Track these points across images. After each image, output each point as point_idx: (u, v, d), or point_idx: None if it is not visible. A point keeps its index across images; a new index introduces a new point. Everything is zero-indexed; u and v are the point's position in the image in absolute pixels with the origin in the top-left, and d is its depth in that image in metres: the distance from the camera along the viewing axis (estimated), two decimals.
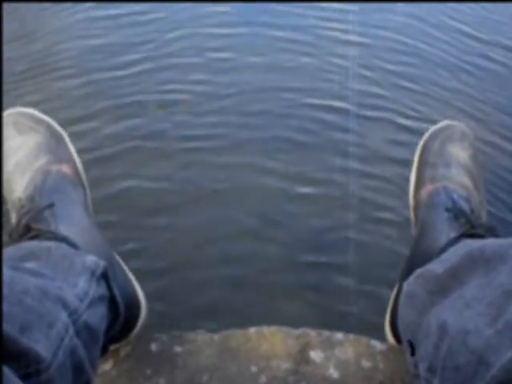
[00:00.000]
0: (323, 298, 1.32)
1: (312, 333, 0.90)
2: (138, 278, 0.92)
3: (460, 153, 0.98)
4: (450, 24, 2.22)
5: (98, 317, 0.71)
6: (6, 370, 0.50)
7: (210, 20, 2.21)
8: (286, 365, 0.86)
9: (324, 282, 1.35)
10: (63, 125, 1.01)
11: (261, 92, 1.86)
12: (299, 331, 0.91)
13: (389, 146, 1.67)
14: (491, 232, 0.85)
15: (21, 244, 0.77)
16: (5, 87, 1.75)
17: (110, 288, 0.77)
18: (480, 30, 2.18)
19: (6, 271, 0.60)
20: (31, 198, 0.85)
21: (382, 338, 0.93)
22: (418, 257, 0.86)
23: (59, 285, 0.66)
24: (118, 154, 1.62)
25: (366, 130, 1.72)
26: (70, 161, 0.94)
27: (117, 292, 0.78)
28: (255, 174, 1.58)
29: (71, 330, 0.63)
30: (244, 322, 1.24)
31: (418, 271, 0.76)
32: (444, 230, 0.85)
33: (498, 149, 1.66)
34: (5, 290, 0.57)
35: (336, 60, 2.00)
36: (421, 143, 1.01)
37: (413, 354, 0.72)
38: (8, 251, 0.73)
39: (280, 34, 2.15)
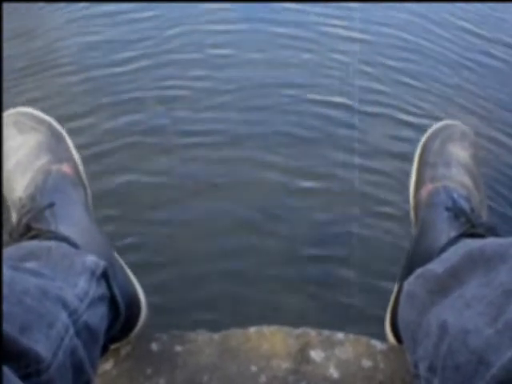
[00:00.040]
0: (324, 292, 1.32)
1: (312, 332, 0.90)
2: (136, 272, 0.93)
3: (460, 152, 0.98)
4: (452, 21, 2.22)
5: (98, 317, 0.71)
6: (5, 370, 0.50)
7: (210, 16, 2.21)
8: (286, 364, 0.86)
9: (325, 275, 1.35)
10: (63, 121, 1.01)
11: (261, 88, 1.86)
12: (299, 331, 0.91)
13: (390, 141, 1.68)
14: (491, 231, 0.85)
15: (21, 243, 0.77)
16: (5, 84, 1.76)
17: (110, 288, 0.77)
18: (482, 27, 2.18)
19: (6, 271, 0.60)
20: (32, 198, 0.85)
21: (383, 331, 0.94)
22: (418, 256, 0.86)
23: (59, 285, 0.67)
24: (117, 149, 1.62)
25: (367, 125, 1.72)
26: (71, 160, 0.94)
27: (117, 292, 0.78)
28: (255, 169, 1.58)
29: (71, 330, 0.63)
30: (244, 315, 1.26)
31: (418, 271, 0.76)
32: (444, 230, 0.85)
33: (500, 145, 1.66)
34: (5, 290, 0.57)
35: (337, 56, 2.01)
36: (421, 143, 1.01)
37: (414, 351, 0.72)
38: (8, 251, 0.73)
39: (280, 30, 2.15)
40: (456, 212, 0.86)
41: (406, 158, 1.38)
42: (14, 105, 0.98)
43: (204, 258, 1.37)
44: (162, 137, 1.67)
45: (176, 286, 1.32)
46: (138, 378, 0.84)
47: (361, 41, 2.08)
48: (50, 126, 0.96)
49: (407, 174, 1.04)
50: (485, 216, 0.94)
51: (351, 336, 0.90)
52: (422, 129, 1.31)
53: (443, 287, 0.68)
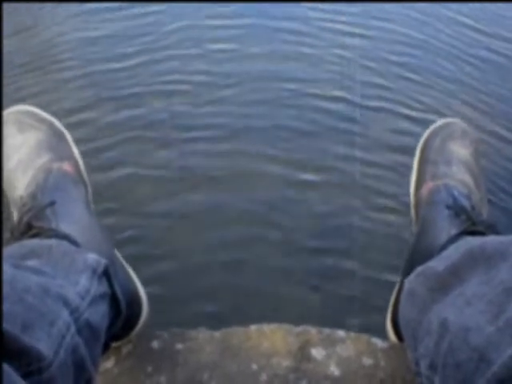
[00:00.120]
0: (326, 283, 1.32)
1: (313, 330, 0.90)
2: (137, 264, 0.93)
3: (461, 150, 0.98)
4: (454, 16, 2.21)
5: (99, 315, 0.71)
6: (7, 368, 0.50)
7: (209, 11, 2.21)
8: (286, 362, 0.86)
9: (326, 267, 1.36)
10: (63, 115, 1.01)
11: (261, 82, 1.87)
12: (300, 328, 0.91)
13: (391, 135, 1.68)
14: (492, 229, 0.85)
15: (22, 242, 0.77)
16: (4, 80, 1.76)
17: (111, 286, 0.77)
18: (483, 23, 2.18)
19: (7, 269, 0.60)
20: (33, 196, 0.85)
21: (385, 322, 0.94)
22: (419, 254, 0.86)
23: (60, 283, 0.67)
24: (117, 143, 1.62)
25: (368, 119, 1.72)
26: (72, 158, 0.94)
27: (118, 290, 0.78)
28: (256, 162, 1.59)
29: (72, 328, 0.63)
30: (244, 307, 1.26)
31: (419, 269, 0.76)
32: (445, 228, 0.85)
33: (502, 139, 1.67)
34: (6, 289, 0.57)
35: (337, 51, 2.00)
36: (421, 141, 1.01)
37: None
38: (9, 249, 0.73)
39: (282, 25, 2.15)
40: (457, 210, 0.86)
41: (407, 151, 1.38)
42: (14, 100, 0.98)
43: (204, 250, 1.38)
44: (162, 131, 1.67)
45: (176, 277, 1.32)
46: (139, 376, 0.84)
47: (362, 36, 2.08)
48: (50, 125, 0.96)
49: (408, 168, 1.04)
50: (485, 214, 0.94)
51: (352, 334, 0.90)
52: (423, 123, 1.31)
53: (444, 285, 0.68)
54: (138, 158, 1.58)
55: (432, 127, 1.02)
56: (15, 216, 0.86)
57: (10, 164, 0.91)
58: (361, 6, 2.26)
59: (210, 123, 1.70)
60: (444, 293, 0.67)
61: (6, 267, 0.60)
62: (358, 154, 1.60)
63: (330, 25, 2.14)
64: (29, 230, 0.81)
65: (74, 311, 0.64)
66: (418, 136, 1.04)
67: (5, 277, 0.58)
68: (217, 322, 1.19)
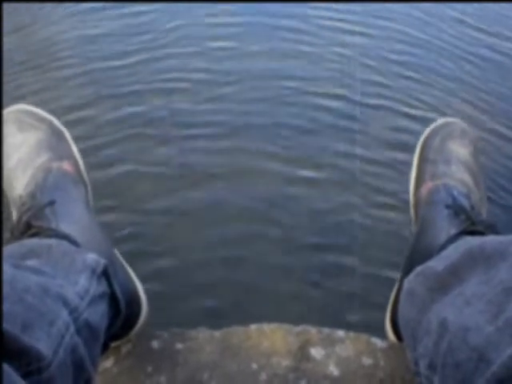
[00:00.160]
0: (326, 280, 1.33)
1: (312, 330, 0.90)
2: (136, 261, 0.93)
3: (460, 150, 0.98)
4: (455, 16, 2.22)
5: (98, 314, 0.71)
6: (7, 368, 0.50)
7: (209, 9, 2.21)
8: (286, 362, 0.86)
9: (326, 264, 1.36)
10: (62, 113, 1.01)
11: (261, 80, 1.87)
12: (300, 328, 0.91)
13: (391, 133, 1.68)
14: (491, 229, 0.85)
15: (22, 241, 0.77)
16: (4, 78, 1.76)
17: (110, 285, 0.77)
18: (484, 22, 2.18)
19: (7, 269, 0.60)
20: (32, 196, 0.85)
21: (385, 318, 0.94)
22: (418, 254, 0.86)
23: (60, 283, 0.67)
24: (117, 140, 1.63)
25: (368, 117, 1.73)
26: (71, 158, 0.94)
27: (117, 289, 0.78)
28: (255, 159, 1.59)
29: (72, 328, 0.63)
30: (244, 302, 1.26)
31: (418, 268, 0.76)
32: (444, 227, 0.85)
33: (502, 137, 1.67)
34: (6, 288, 0.57)
35: (338, 49, 2.01)
36: (421, 140, 1.01)
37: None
38: (9, 249, 0.73)
39: (281, 23, 2.15)
40: (456, 209, 0.86)
41: (407, 149, 1.40)
42: (14, 97, 0.98)
43: (204, 247, 1.38)
44: (162, 128, 1.68)
45: (176, 274, 1.33)
46: (138, 375, 0.84)
47: (362, 34, 2.08)
48: (50, 124, 0.96)
49: (407, 165, 1.04)
50: (485, 213, 0.94)
51: (351, 334, 0.90)
52: (422, 121, 1.31)
53: (443, 285, 0.68)
54: (138, 155, 1.59)
55: (431, 127, 1.02)
56: (15, 215, 0.86)
57: (9, 163, 0.92)
58: (361, 4, 2.25)
59: (210, 120, 1.70)
60: (443, 293, 0.67)
61: (5, 267, 0.60)
62: (358, 151, 1.60)
63: (329, 23, 2.15)
64: (28, 229, 0.81)
65: (73, 311, 0.65)
66: (417, 134, 1.05)
67: (5, 277, 0.58)
68: (216, 318, 1.22)
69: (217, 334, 0.90)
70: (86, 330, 0.66)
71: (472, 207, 0.87)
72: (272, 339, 0.89)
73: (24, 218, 0.81)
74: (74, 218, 0.84)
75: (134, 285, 0.88)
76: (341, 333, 0.90)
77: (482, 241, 0.70)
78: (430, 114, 1.71)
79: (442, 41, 2.07)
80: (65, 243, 0.77)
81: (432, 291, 0.70)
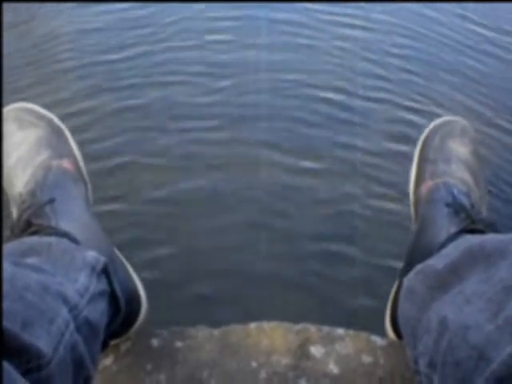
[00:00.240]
0: (327, 269, 1.33)
1: (312, 328, 0.90)
2: (135, 250, 0.93)
3: (460, 148, 0.98)
4: (456, 11, 2.22)
5: (98, 312, 0.71)
6: (7, 365, 0.50)
7: (208, 2, 2.21)
8: (286, 360, 0.86)
9: (328, 254, 1.36)
10: (62, 106, 1.01)
11: (261, 73, 1.87)
12: (299, 326, 0.91)
13: (391, 125, 1.68)
14: (491, 227, 0.85)
15: (22, 239, 0.77)
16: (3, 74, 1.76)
17: (110, 283, 0.77)
18: (487, 17, 2.18)
19: (7, 267, 0.60)
20: (32, 194, 0.85)
21: (385, 308, 0.94)
22: (418, 252, 0.86)
23: (60, 280, 0.67)
24: (116, 132, 1.63)
25: (368, 110, 1.73)
26: (71, 156, 0.94)
27: (117, 287, 0.78)
28: (255, 150, 1.59)
29: (72, 326, 0.63)
30: (244, 288, 1.26)
31: (418, 267, 0.76)
32: (444, 226, 0.85)
33: (503, 131, 1.68)
34: (6, 286, 0.57)
35: (338, 43, 2.01)
36: (421, 139, 1.01)
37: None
38: (9, 247, 0.73)
39: (281, 16, 2.15)
40: (456, 208, 0.86)
41: (407, 141, 1.40)
42: (12, 91, 0.98)
43: (203, 236, 1.38)
44: (161, 120, 1.68)
45: (175, 262, 1.33)
46: (138, 373, 0.84)
47: (363, 28, 2.09)
48: (50, 122, 0.96)
49: (407, 157, 1.04)
50: (485, 212, 0.94)
51: (351, 331, 0.90)
52: (423, 114, 1.30)
53: (443, 283, 0.68)
54: (137, 146, 1.60)
55: (431, 125, 1.02)
56: (15, 213, 0.86)
57: (9, 161, 0.92)
58: None
59: (209, 113, 1.71)
60: (443, 291, 0.67)
61: (6, 265, 0.60)
62: (359, 143, 1.60)
63: (330, 17, 2.15)
64: (28, 227, 0.81)
65: (73, 309, 0.65)
66: (418, 127, 1.05)
67: (5, 275, 0.58)
68: (215, 306, 1.21)
69: (216, 332, 0.90)
70: (85, 327, 0.66)
71: (472, 206, 0.87)
72: (272, 337, 0.89)
73: (24, 216, 0.81)
74: (74, 215, 0.84)
75: (134, 283, 0.88)
76: (340, 331, 0.90)
77: (482, 239, 0.70)
78: (430, 108, 1.72)
79: (444, 35, 2.07)
80: (65, 241, 0.77)
81: (432, 289, 0.70)
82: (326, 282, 1.30)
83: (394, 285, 0.92)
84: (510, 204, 1.45)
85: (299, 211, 1.44)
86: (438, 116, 1.05)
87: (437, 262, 0.73)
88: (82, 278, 0.71)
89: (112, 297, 0.78)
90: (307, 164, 1.55)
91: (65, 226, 0.81)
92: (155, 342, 0.88)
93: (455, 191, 0.89)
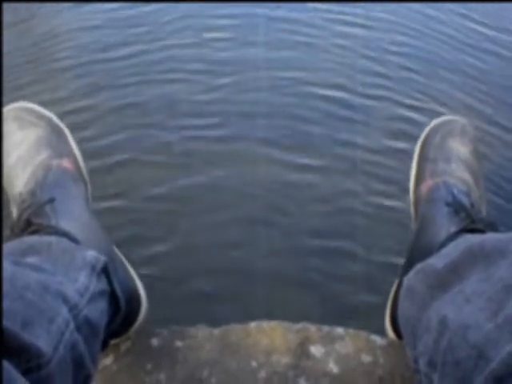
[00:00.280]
0: (326, 265, 1.33)
1: (312, 327, 0.90)
2: (135, 246, 0.93)
3: (460, 148, 0.98)
4: (457, 9, 2.21)
5: (98, 312, 0.71)
6: (7, 365, 0.50)
7: (206, 1, 2.21)
8: (285, 359, 0.86)
9: (327, 249, 1.36)
10: (62, 103, 1.01)
11: (260, 70, 1.87)
12: (299, 326, 0.91)
13: (392, 123, 1.68)
14: (491, 226, 0.85)
15: (21, 239, 0.77)
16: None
17: (110, 283, 0.77)
18: (485, 15, 2.18)
19: (7, 266, 0.60)
20: (32, 193, 0.85)
21: (386, 302, 0.94)
22: (418, 251, 0.86)
23: (60, 280, 0.67)
24: (116, 129, 1.64)
25: (368, 107, 1.73)
26: (71, 155, 0.94)
27: (117, 287, 0.78)
28: (255, 148, 1.60)
29: (72, 325, 0.63)
30: (244, 284, 1.27)
31: (418, 266, 0.76)
32: (444, 225, 0.85)
33: (503, 129, 1.68)
34: (6, 286, 0.57)
35: (338, 40, 2.01)
36: (421, 138, 1.01)
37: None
38: (9, 246, 0.73)
39: (280, 14, 2.16)
40: (456, 207, 0.86)
41: (407, 138, 1.39)
42: (11, 89, 0.98)
43: (203, 232, 1.39)
44: (160, 118, 1.69)
45: (175, 258, 1.34)
46: (138, 373, 0.84)
47: (363, 26, 2.08)
48: (50, 121, 0.96)
49: (407, 154, 1.04)
50: (484, 211, 0.94)
51: (351, 331, 0.90)
52: (423, 111, 1.30)
53: (443, 282, 0.68)
54: (137, 144, 1.60)
55: (431, 124, 1.02)
56: (15, 213, 0.86)
57: (9, 161, 0.92)
58: None
59: (209, 110, 1.71)
60: (443, 290, 0.67)
61: (6, 264, 0.60)
62: (359, 140, 1.60)
63: (330, 15, 2.15)
64: (28, 226, 0.81)
65: (73, 308, 0.65)
66: (417, 124, 1.05)
67: (5, 274, 0.58)
68: (214, 302, 1.21)
69: (216, 331, 0.90)
70: (85, 326, 0.66)
71: (472, 205, 0.87)
72: (271, 337, 0.89)
73: (24, 216, 0.81)
74: (74, 215, 0.84)
75: (134, 282, 0.88)
76: (340, 330, 0.90)
77: (482, 238, 0.70)
78: (430, 105, 1.72)
79: (443, 33, 2.08)
80: (65, 240, 0.77)
81: (432, 289, 0.70)
82: (326, 278, 1.30)
83: (394, 284, 0.92)
84: (510, 202, 1.45)
85: (299, 208, 1.44)
86: (438, 113, 1.06)
87: (437, 261, 0.73)
88: (82, 278, 0.71)
89: (112, 296, 0.78)
90: (307, 161, 1.56)
91: (65, 225, 0.81)
92: (155, 342, 0.88)
93: (455, 190, 0.89)
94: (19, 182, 0.89)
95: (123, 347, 0.87)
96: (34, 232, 0.80)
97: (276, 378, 0.84)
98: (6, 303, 0.55)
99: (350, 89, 1.79)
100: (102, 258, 0.77)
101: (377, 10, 2.18)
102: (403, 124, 1.66)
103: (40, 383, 0.56)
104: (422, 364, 0.67)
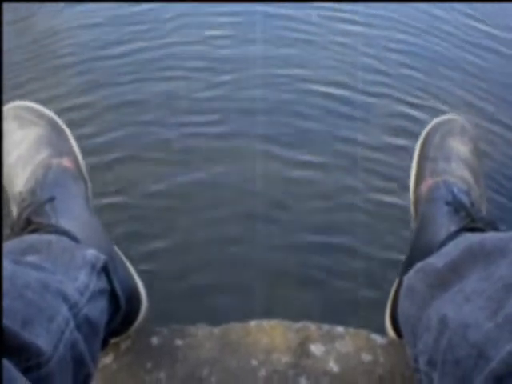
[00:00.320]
0: (326, 261, 1.33)
1: (312, 326, 0.90)
2: (134, 243, 0.92)
3: (460, 147, 0.98)
4: (457, 6, 2.21)
5: (98, 310, 0.71)
6: (7, 363, 0.50)
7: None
8: (286, 358, 0.86)
9: (327, 245, 1.37)
10: (62, 100, 1.01)
11: (260, 68, 1.86)
12: (299, 324, 0.91)
13: (392, 120, 1.68)
14: (491, 225, 0.85)
15: (22, 237, 0.77)
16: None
17: (110, 281, 0.78)
18: (486, 12, 2.18)
19: (7, 265, 0.60)
20: (32, 192, 0.85)
21: (386, 298, 0.94)
22: (418, 251, 0.86)
23: (60, 278, 0.67)
24: (116, 126, 1.64)
25: (368, 104, 1.73)
26: (71, 154, 0.94)
27: (117, 285, 0.78)
28: (255, 144, 1.60)
29: (72, 324, 0.63)
30: (242, 277, 1.27)
31: (418, 265, 0.76)
32: (444, 224, 0.85)
33: (504, 126, 1.68)
34: (6, 284, 0.57)
35: (338, 38, 2.00)
36: (421, 137, 1.01)
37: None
38: (9, 245, 0.73)
39: (281, 11, 2.15)
40: (456, 206, 0.86)
41: (407, 135, 1.39)
42: (11, 87, 0.98)
43: (203, 227, 1.39)
44: (160, 115, 1.68)
45: (175, 253, 1.34)
46: (138, 372, 0.84)
47: (363, 23, 2.08)
48: (50, 120, 0.96)
49: (406, 151, 1.04)
50: (485, 210, 0.94)
51: (351, 330, 0.90)
52: (424, 108, 1.30)
53: (443, 281, 0.68)
54: (136, 140, 1.60)
55: (431, 124, 1.02)
56: (15, 212, 0.86)
57: (9, 160, 0.92)
58: None
59: (208, 107, 1.71)
60: (443, 289, 0.67)
61: (6, 263, 0.60)
62: (359, 137, 1.60)
63: (330, 13, 2.14)
64: (28, 225, 0.81)
65: (73, 307, 0.65)
66: (418, 121, 1.04)
67: (5, 273, 0.58)
68: (215, 298, 1.21)
69: (216, 330, 0.90)
70: (85, 325, 0.66)
71: (472, 204, 0.87)
72: (271, 335, 0.89)
73: (24, 215, 0.81)
74: (74, 214, 0.84)
75: (134, 281, 0.88)
76: (340, 329, 0.90)
77: (482, 237, 0.70)
78: (430, 103, 1.72)
79: (444, 31, 2.07)
80: (64, 239, 0.77)
81: (432, 288, 0.70)
82: (327, 275, 1.31)
83: (394, 283, 0.92)
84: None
85: (299, 204, 1.44)
86: (438, 111, 1.06)
87: (437, 260, 0.73)
88: (82, 276, 0.71)
89: (112, 295, 0.78)
90: (307, 158, 1.56)
91: (65, 224, 0.81)
92: (155, 340, 0.88)
93: (455, 190, 0.89)
94: (19, 181, 0.89)
95: (123, 346, 0.87)
96: (33, 231, 0.80)
97: (276, 376, 0.84)
98: (6, 302, 0.55)
99: (351, 86, 1.79)
100: (102, 257, 0.77)
101: (377, 7, 2.18)
102: (403, 121, 1.66)
103: (40, 382, 0.56)
104: (422, 363, 0.67)
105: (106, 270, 0.77)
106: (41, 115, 0.96)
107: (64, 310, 0.63)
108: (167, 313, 1.03)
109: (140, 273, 0.92)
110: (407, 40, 2.02)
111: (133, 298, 0.86)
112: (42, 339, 0.57)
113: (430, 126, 1.02)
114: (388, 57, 1.93)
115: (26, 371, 0.54)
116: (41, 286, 0.61)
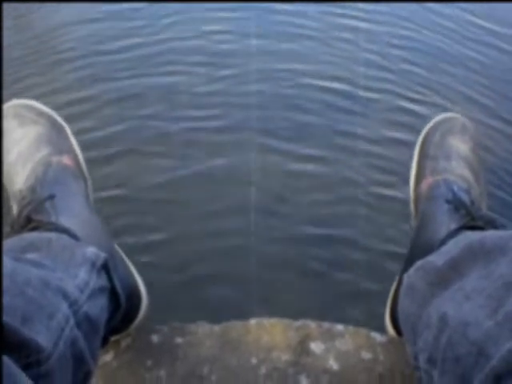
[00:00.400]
0: (327, 253, 1.33)
1: (312, 324, 0.90)
2: (134, 235, 0.92)
3: (460, 145, 0.98)
4: (459, 4, 2.20)
5: (98, 308, 0.71)
6: (6, 360, 0.50)
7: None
8: (286, 356, 0.86)
9: (327, 237, 1.37)
10: (61, 95, 1.01)
11: (260, 64, 1.86)
12: (299, 323, 0.91)
13: (393, 115, 1.68)
14: (491, 224, 0.85)
15: (22, 235, 0.77)
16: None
17: (110, 279, 0.78)
18: (488, 9, 2.17)
19: (7, 262, 0.60)
20: (32, 190, 0.85)
21: (385, 289, 0.95)
22: (419, 249, 0.86)
23: (60, 276, 0.67)
24: (114, 120, 1.64)
25: (370, 100, 1.73)
26: (71, 152, 0.94)
27: (117, 283, 0.79)
28: (255, 138, 1.59)
29: (72, 321, 0.63)
30: (241, 268, 1.27)
31: (418, 263, 0.76)
32: (444, 222, 0.85)
33: (505, 122, 1.68)
34: (7, 282, 0.57)
35: (340, 34, 2.00)
36: (421, 136, 1.01)
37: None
38: (9, 242, 0.73)
39: (282, 7, 2.14)
40: (456, 204, 0.86)
41: (408, 130, 1.39)
42: (10, 81, 0.98)
43: (202, 220, 1.39)
44: (159, 109, 1.68)
45: (174, 246, 1.34)
46: (138, 369, 0.84)
47: (365, 19, 2.08)
48: (50, 118, 0.96)
49: (407, 146, 1.04)
50: (485, 208, 0.94)
51: (351, 328, 0.90)
52: (425, 104, 1.29)
53: (443, 279, 0.68)
54: (135, 134, 1.60)
55: (432, 122, 1.02)
56: (15, 209, 0.86)
57: (9, 158, 0.92)
58: None
59: (208, 102, 1.71)
60: (443, 287, 0.67)
61: (6, 260, 0.60)
62: (360, 132, 1.60)
63: (332, 9, 2.14)
64: (28, 223, 0.81)
65: (73, 304, 0.65)
66: (419, 116, 1.04)
67: (5, 270, 0.58)
68: (214, 290, 1.21)
69: (216, 328, 0.90)
70: (85, 323, 0.66)
71: (472, 202, 0.87)
72: (272, 333, 0.89)
73: (24, 212, 0.81)
74: (74, 211, 0.84)
75: (134, 278, 0.88)
76: (340, 327, 0.90)
77: (482, 236, 0.70)
78: (432, 98, 1.72)
79: (445, 27, 2.07)
80: (65, 237, 0.77)
81: (432, 286, 0.70)
82: (327, 267, 1.31)
83: (394, 282, 0.92)
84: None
85: (299, 197, 1.44)
86: (439, 107, 1.06)
87: (437, 258, 0.73)
88: (82, 274, 0.71)
89: (112, 293, 0.78)
90: (307, 151, 1.56)
91: (65, 222, 0.81)
92: (155, 338, 0.88)
93: (455, 188, 0.89)
94: (19, 179, 0.89)
95: (123, 344, 0.87)
96: (34, 229, 0.80)
97: (276, 374, 0.84)
98: (6, 299, 0.55)
99: (352, 81, 1.79)
100: (102, 255, 0.77)
101: (379, 3, 2.17)
102: (405, 116, 1.66)
103: (40, 379, 0.56)
104: (422, 361, 0.67)
105: (106, 268, 0.77)
106: (41, 113, 0.96)
107: (64, 307, 0.63)
108: (167, 305, 1.03)
109: (140, 265, 0.93)
110: (409, 36, 2.02)
111: (133, 295, 0.86)
112: (42, 336, 0.57)
113: (430, 125, 1.02)
114: (389, 52, 1.93)
115: (25, 368, 0.54)
116: (41, 283, 0.61)
